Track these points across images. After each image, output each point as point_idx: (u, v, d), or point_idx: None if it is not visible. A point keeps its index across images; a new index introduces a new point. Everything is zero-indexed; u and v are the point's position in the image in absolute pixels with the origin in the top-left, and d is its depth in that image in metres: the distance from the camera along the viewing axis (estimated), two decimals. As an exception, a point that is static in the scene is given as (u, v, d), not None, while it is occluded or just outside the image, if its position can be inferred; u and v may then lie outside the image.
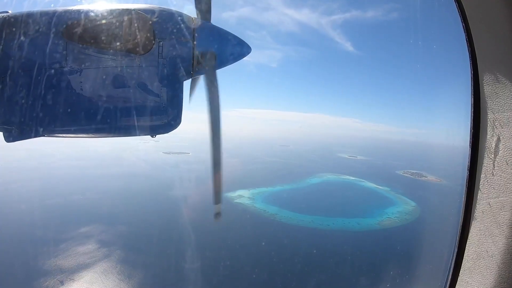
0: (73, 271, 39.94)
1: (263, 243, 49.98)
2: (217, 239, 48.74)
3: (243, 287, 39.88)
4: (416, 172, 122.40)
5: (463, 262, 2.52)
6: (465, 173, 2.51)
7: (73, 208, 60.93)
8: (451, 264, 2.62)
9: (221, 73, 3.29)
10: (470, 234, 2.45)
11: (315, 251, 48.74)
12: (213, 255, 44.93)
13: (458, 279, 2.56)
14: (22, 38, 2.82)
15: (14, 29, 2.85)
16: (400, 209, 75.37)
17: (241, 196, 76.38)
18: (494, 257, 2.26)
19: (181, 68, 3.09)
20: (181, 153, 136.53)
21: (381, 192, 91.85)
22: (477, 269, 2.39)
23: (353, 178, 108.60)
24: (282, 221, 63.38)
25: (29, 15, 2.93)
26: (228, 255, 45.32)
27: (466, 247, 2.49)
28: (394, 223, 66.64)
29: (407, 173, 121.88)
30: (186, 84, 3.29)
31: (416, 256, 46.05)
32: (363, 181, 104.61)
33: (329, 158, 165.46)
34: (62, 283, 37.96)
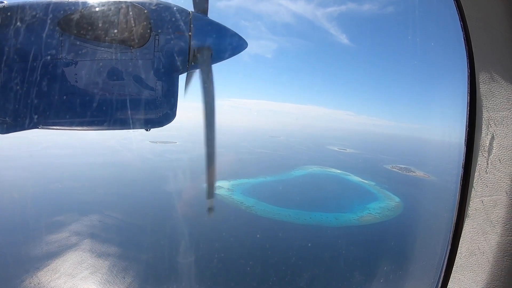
0: (40, 260, 38.97)
1: (231, 237, 47.90)
2: (186, 231, 47.28)
3: (197, 281, 38.10)
4: (404, 167, 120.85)
5: (455, 259, 2.54)
6: (455, 170, 2.54)
7: (50, 197, 59.07)
8: (443, 261, 2.64)
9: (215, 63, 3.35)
10: (463, 232, 2.47)
11: (283, 246, 46.43)
12: (174, 246, 43.27)
13: (451, 276, 2.58)
14: (17, 29, 2.77)
15: (9, 19, 2.79)
16: (383, 205, 73.41)
17: (220, 187, 73.79)
18: (486, 255, 2.29)
19: (177, 61, 3.06)
20: (168, 143, 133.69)
21: (366, 187, 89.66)
22: (469, 266, 2.43)
23: (339, 172, 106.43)
24: (257, 214, 61.12)
25: (25, 5, 2.85)
26: (191, 247, 43.56)
27: (459, 245, 2.51)
28: (375, 219, 64.48)
29: (395, 168, 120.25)
30: (181, 78, 3.25)
31: (396, 253, 45.11)
32: (349, 175, 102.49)
33: (318, 150, 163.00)
34: (27, 271, 36.84)
